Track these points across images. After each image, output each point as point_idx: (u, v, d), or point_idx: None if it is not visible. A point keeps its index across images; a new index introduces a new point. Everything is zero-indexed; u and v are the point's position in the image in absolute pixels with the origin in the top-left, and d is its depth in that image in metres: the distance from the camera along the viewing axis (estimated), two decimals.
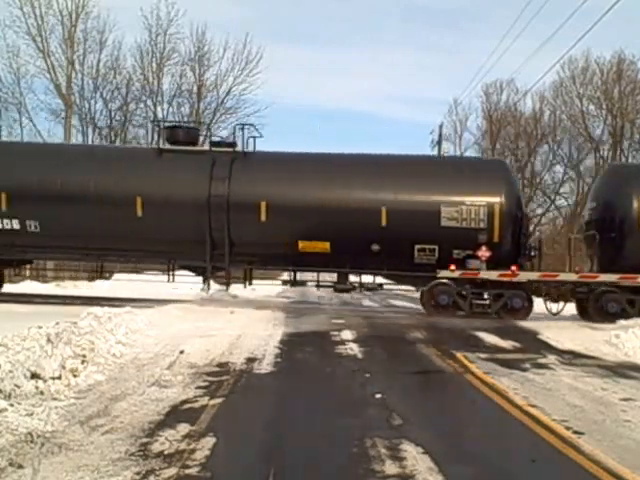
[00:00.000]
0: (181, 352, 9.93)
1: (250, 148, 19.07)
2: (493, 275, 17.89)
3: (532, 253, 18.83)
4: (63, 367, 7.81)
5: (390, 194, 18.00)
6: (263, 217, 17.86)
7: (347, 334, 13.18)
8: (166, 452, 5.32)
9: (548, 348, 12.10)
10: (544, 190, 46.36)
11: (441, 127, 43.15)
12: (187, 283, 20.66)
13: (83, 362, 8.29)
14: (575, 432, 6.28)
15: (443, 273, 18.09)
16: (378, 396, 7.61)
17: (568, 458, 5.56)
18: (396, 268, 18.21)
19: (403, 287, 21.08)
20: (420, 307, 19.03)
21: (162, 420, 6.29)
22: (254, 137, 19.43)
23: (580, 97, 44.03)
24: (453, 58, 74.03)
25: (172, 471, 4.90)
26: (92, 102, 38.05)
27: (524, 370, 9.67)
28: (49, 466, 4.90)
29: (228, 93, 39.04)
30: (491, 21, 74.77)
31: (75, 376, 7.74)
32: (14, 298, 17.99)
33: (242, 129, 19.53)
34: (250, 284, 20.41)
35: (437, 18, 77.75)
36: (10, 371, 7.09)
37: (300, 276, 20.00)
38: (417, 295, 23.94)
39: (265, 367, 9.36)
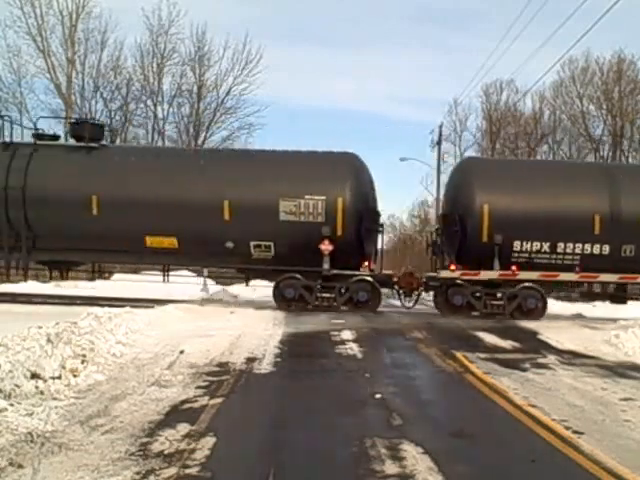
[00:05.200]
0: (181, 352, 9.93)
1: None
2: (494, 275, 17.89)
3: None
4: (63, 367, 7.81)
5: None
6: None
7: (347, 334, 13.17)
8: (166, 452, 5.32)
9: (548, 348, 12.09)
10: None
11: (441, 127, 43.28)
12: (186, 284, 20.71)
13: (83, 362, 8.30)
14: (575, 432, 6.28)
15: (443, 273, 18.15)
16: (378, 396, 7.61)
17: (568, 458, 5.56)
18: None
19: None
20: (418, 307, 19.25)
21: (162, 420, 6.29)
22: None
23: (580, 97, 43.97)
24: (453, 58, 74.09)
25: (172, 471, 4.90)
26: (92, 102, 38.14)
27: (524, 370, 9.66)
28: (49, 466, 4.91)
29: (228, 93, 39.15)
30: (491, 21, 74.81)
31: (75, 376, 7.74)
32: (14, 298, 17.99)
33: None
34: None
35: (437, 18, 77.83)
36: (10, 371, 7.10)
37: None
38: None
39: (265, 367, 9.36)
